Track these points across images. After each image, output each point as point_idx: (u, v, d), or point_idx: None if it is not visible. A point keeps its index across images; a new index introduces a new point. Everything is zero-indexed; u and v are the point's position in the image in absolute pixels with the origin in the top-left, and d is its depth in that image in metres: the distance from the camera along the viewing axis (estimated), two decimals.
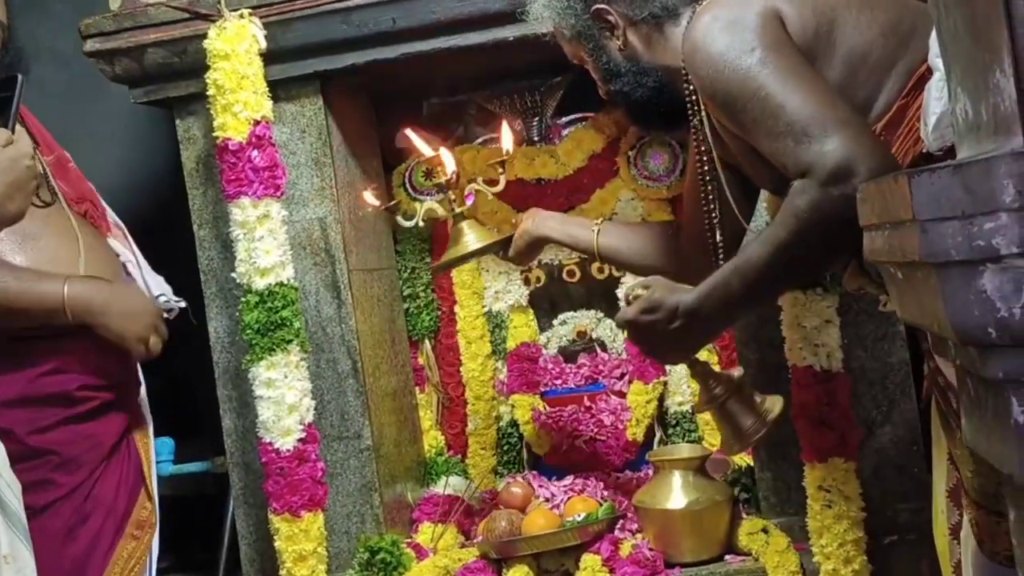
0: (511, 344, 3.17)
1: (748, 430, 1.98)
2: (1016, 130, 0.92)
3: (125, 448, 2.32)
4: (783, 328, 2.46)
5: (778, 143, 1.67)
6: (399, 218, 2.80)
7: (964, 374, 1.10)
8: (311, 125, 2.76)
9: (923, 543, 2.32)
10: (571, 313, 3.21)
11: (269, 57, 2.62)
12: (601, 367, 3.11)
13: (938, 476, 1.97)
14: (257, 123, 2.56)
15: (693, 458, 2.63)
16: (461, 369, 3.19)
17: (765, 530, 2.54)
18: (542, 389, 3.13)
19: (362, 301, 2.83)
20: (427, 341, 3.20)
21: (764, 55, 1.70)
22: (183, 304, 2.61)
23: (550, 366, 3.14)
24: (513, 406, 3.13)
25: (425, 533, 2.82)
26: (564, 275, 3.18)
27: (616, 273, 3.13)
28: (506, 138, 2.57)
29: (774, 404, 1.99)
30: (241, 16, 2.59)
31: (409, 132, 2.62)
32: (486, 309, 3.20)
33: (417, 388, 3.16)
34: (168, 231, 2.82)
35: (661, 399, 3.07)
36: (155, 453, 2.89)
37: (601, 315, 3.20)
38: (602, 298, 3.20)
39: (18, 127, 1.86)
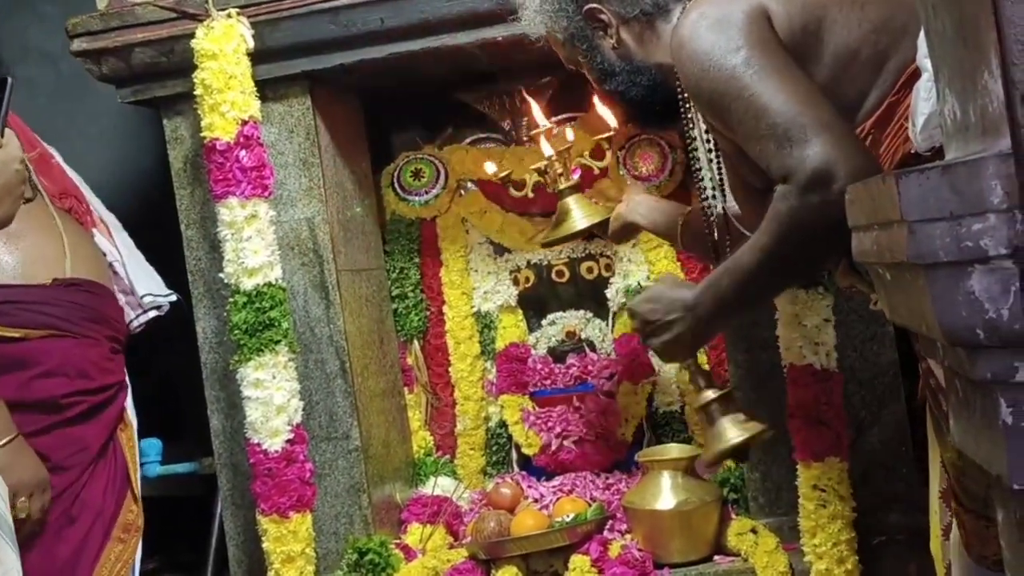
0: (500, 344, 3.16)
1: (717, 439, 1.99)
2: (1004, 131, 0.92)
3: (112, 451, 2.32)
4: (780, 327, 2.46)
5: (761, 145, 1.67)
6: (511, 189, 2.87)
7: (952, 375, 1.09)
8: (299, 125, 2.76)
9: (912, 544, 2.32)
10: (560, 313, 3.21)
11: (257, 57, 2.62)
12: (590, 367, 3.11)
13: (933, 477, 1.97)
14: (245, 123, 2.55)
15: (682, 458, 2.63)
16: (450, 369, 3.18)
17: (754, 530, 2.54)
18: (531, 389, 3.12)
19: (350, 301, 2.82)
20: (416, 341, 3.19)
21: (749, 54, 1.69)
22: (173, 298, 2.61)
23: (539, 366, 3.14)
24: (502, 406, 3.13)
25: (414, 534, 2.82)
26: (553, 276, 3.18)
27: (605, 274, 3.13)
28: (609, 115, 2.56)
29: (754, 426, 2.00)
30: (229, 16, 2.58)
31: (529, 98, 2.60)
32: (475, 309, 3.19)
33: (406, 388, 3.16)
34: (156, 231, 2.81)
35: (650, 399, 3.07)
36: (143, 454, 2.89)
37: (590, 316, 3.19)
38: (591, 299, 3.19)
39: (8, 131, 1.85)
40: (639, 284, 3.05)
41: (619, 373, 3.07)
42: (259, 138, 2.58)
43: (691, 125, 2.05)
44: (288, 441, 2.54)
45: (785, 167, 1.62)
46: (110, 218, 2.58)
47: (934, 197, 0.95)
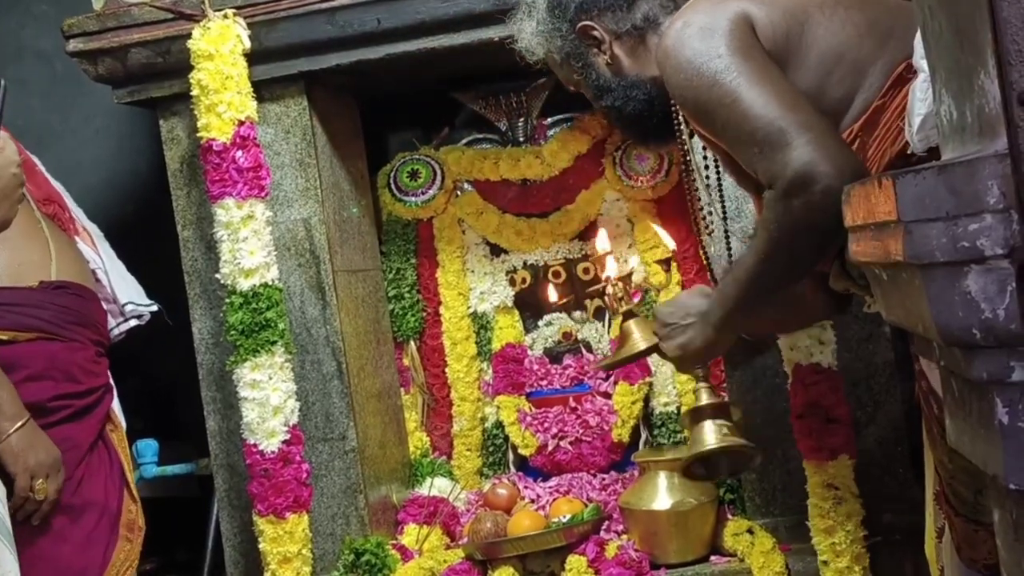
0: (496, 345, 3.16)
1: (701, 444, 2.00)
2: (1000, 132, 0.92)
3: (104, 447, 2.31)
4: None
5: (746, 151, 1.68)
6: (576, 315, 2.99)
7: (948, 375, 1.10)
8: (296, 125, 2.76)
9: (908, 544, 2.32)
10: (556, 314, 3.21)
11: (253, 57, 2.61)
12: (586, 368, 3.11)
13: (928, 479, 1.97)
14: (241, 123, 2.55)
15: (678, 459, 2.62)
16: (446, 370, 3.18)
17: (750, 531, 2.54)
18: (527, 390, 3.12)
19: (347, 302, 2.82)
20: (412, 342, 3.19)
21: (731, 61, 1.69)
22: (154, 308, 2.60)
23: (535, 367, 3.14)
24: (498, 407, 3.13)
25: (410, 535, 2.82)
26: (550, 276, 3.18)
27: (601, 275, 3.12)
28: (666, 237, 2.56)
29: (736, 440, 2.00)
30: (225, 16, 2.58)
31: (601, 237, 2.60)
32: (471, 310, 3.19)
33: (402, 389, 3.16)
34: (152, 232, 2.81)
35: (647, 400, 3.07)
36: (140, 455, 2.89)
37: (586, 316, 3.19)
38: (587, 299, 3.19)
39: (4, 135, 1.85)
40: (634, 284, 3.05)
41: (616, 374, 3.07)
42: (255, 139, 2.57)
43: (687, 137, 2.05)
44: (284, 442, 2.54)
45: (769, 172, 1.63)
46: (92, 227, 2.57)
47: (930, 197, 0.95)
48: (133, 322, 2.56)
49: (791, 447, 2.47)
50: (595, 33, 2.02)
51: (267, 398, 2.53)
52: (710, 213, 2.29)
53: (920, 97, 1.45)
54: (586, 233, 3.16)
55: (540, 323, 3.23)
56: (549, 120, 3.19)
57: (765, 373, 2.55)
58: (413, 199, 3.13)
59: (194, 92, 2.56)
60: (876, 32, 1.74)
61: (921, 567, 2.11)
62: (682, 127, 2.03)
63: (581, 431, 3.02)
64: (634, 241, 3.08)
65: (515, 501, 2.87)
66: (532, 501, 2.88)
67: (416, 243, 3.20)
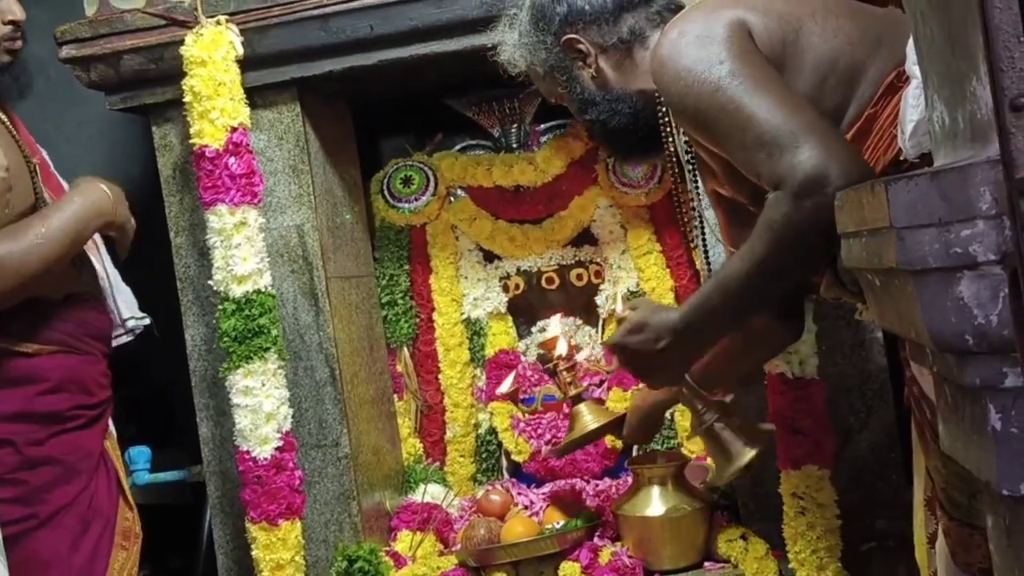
0: (490, 351, 3.16)
1: (729, 460, 1.98)
2: (992, 138, 0.92)
3: (104, 458, 2.31)
4: None
5: (750, 155, 1.66)
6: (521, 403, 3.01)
7: (941, 381, 1.10)
8: (288, 132, 2.75)
9: (901, 550, 2.32)
10: (547, 320, 3.20)
11: (246, 64, 2.61)
12: (580, 374, 3.10)
13: (917, 485, 1.97)
14: (234, 130, 2.55)
15: (672, 465, 2.63)
16: (439, 376, 3.18)
17: (744, 537, 2.54)
18: (521, 396, 3.12)
19: (340, 308, 2.82)
20: (405, 348, 3.19)
21: (732, 67, 1.69)
22: (147, 321, 2.60)
23: (529, 373, 3.14)
24: (492, 413, 3.13)
25: (404, 541, 2.81)
26: (543, 282, 3.17)
27: (595, 281, 3.13)
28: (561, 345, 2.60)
29: (762, 437, 1.99)
30: (218, 23, 2.58)
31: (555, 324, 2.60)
32: (464, 316, 3.19)
33: (395, 396, 3.16)
34: (144, 238, 2.80)
35: None
36: (132, 462, 2.88)
37: (580, 323, 3.19)
38: (581, 306, 3.19)
39: None
40: (628, 291, 3.05)
41: (609, 380, 3.07)
42: (248, 145, 2.57)
43: (674, 148, 2.04)
44: (277, 448, 2.54)
45: (776, 174, 1.62)
46: (96, 235, 2.58)
47: (923, 203, 0.95)
48: (124, 338, 2.56)
49: None
50: (580, 46, 2.02)
51: (260, 405, 2.52)
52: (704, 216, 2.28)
53: (912, 103, 1.45)
54: (580, 239, 3.17)
55: (534, 329, 3.22)
56: (542, 126, 3.19)
57: (761, 375, 2.54)
58: (406, 205, 3.13)
59: (187, 98, 2.55)
60: (867, 40, 1.74)
61: (914, 573, 2.10)
62: (671, 140, 2.02)
63: None
64: (627, 247, 3.08)
65: (508, 507, 2.86)
66: (525, 507, 2.88)
67: (409, 249, 3.20)
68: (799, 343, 2.41)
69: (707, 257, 2.31)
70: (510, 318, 3.22)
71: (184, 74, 2.55)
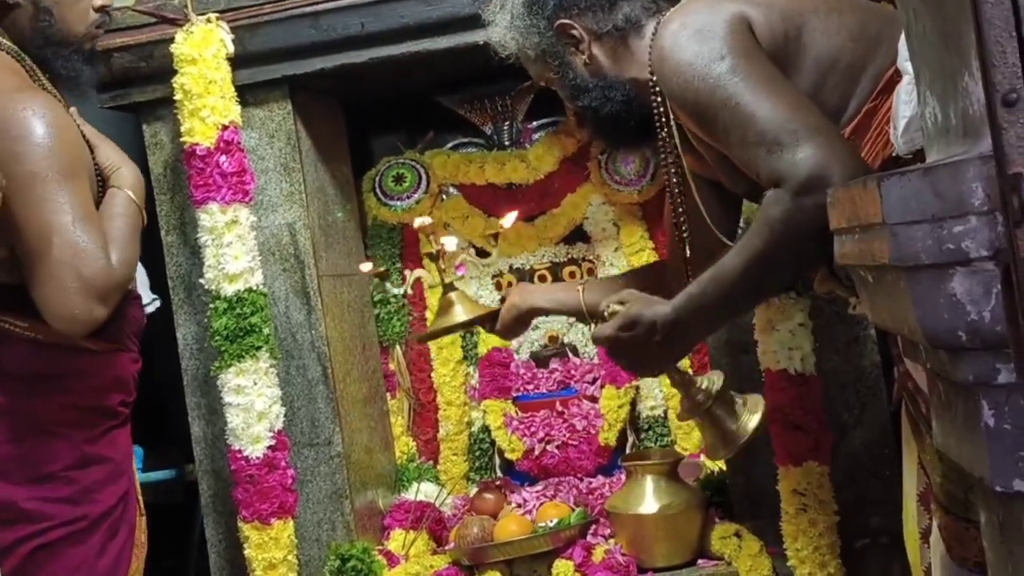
0: (482, 349, 3.16)
1: (734, 433, 1.97)
2: (985, 133, 0.92)
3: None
4: (756, 332, 2.46)
5: (750, 152, 1.66)
6: (388, 285, 2.92)
7: (934, 377, 1.09)
8: (280, 130, 2.75)
9: (895, 547, 2.32)
10: (543, 318, 3.20)
11: (237, 61, 2.60)
12: (573, 372, 3.11)
13: (908, 481, 1.97)
14: (225, 128, 2.53)
15: (665, 462, 2.63)
16: (432, 375, 3.18)
17: (738, 534, 2.53)
18: (514, 394, 3.12)
19: (332, 307, 2.81)
20: (398, 347, 3.18)
21: (734, 63, 1.68)
22: (158, 303, 2.59)
23: (522, 371, 3.13)
24: (485, 412, 3.12)
25: (396, 540, 2.81)
26: (535, 280, 3.17)
27: (587, 278, 3.12)
28: (508, 218, 2.55)
29: (756, 404, 1.99)
30: (208, 20, 2.57)
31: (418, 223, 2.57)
32: None
33: (388, 394, 3.15)
34: None
35: (633, 404, 3.07)
36: None
37: (572, 320, 3.19)
38: None
39: None
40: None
41: (602, 377, 3.07)
42: (239, 143, 2.56)
43: (667, 140, 2.03)
44: (269, 447, 2.53)
45: (776, 172, 1.61)
46: None
47: (916, 200, 0.95)
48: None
49: None
50: (574, 32, 2.01)
51: (252, 403, 2.52)
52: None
53: (905, 100, 1.45)
54: (572, 237, 3.16)
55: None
56: (534, 124, 3.19)
57: (751, 376, 2.54)
58: (398, 203, 3.13)
59: (177, 97, 2.54)
60: (868, 37, 1.74)
61: (908, 569, 2.11)
62: (663, 131, 2.01)
63: (568, 435, 3.02)
64: (620, 245, 3.08)
65: (501, 506, 2.86)
66: (519, 506, 2.87)
67: (401, 247, 3.19)
68: (800, 339, 2.41)
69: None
70: None
71: (174, 72, 2.54)
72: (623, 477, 2.82)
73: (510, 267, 3.19)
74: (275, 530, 2.53)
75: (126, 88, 2.74)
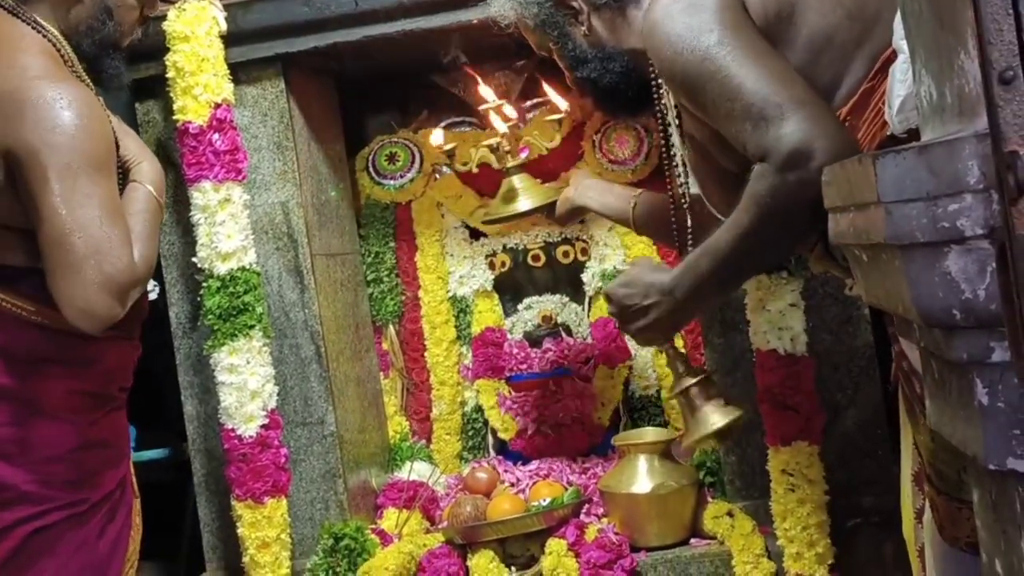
0: (476, 329, 3.16)
1: (699, 424, 2.01)
2: (980, 112, 0.92)
3: None
4: (748, 312, 2.47)
5: (737, 126, 1.66)
6: (456, 165, 2.94)
7: (928, 356, 1.09)
8: (273, 108, 2.74)
9: (887, 526, 2.33)
10: (536, 298, 3.20)
11: (230, 39, 2.60)
12: (566, 352, 3.10)
13: (904, 460, 1.97)
14: (218, 106, 2.53)
15: (658, 442, 2.63)
16: (426, 354, 3.18)
17: (730, 514, 2.54)
18: (507, 374, 3.12)
19: (325, 286, 2.81)
20: (391, 326, 3.18)
21: (723, 36, 1.68)
22: (157, 289, 2.59)
23: (515, 351, 3.13)
24: (478, 391, 3.12)
25: (390, 519, 2.81)
26: (529, 260, 3.17)
27: (581, 258, 3.12)
28: (558, 99, 2.56)
29: (731, 411, 2.02)
30: None
31: (474, 75, 2.58)
32: (451, 294, 3.18)
33: (381, 373, 3.15)
34: None
35: (627, 383, 3.07)
36: None
37: (566, 300, 3.19)
38: (567, 283, 3.19)
39: None
40: (615, 268, 3.05)
41: (595, 357, 3.07)
42: (232, 121, 2.56)
43: (665, 111, 2.04)
44: (263, 426, 2.53)
45: (762, 147, 1.62)
46: None
47: (911, 178, 0.95)
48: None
49: None
50: (573, 3, 2.02)
51: (245, 383, 2.52)
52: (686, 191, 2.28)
53: (900, 78, 1.44)
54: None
55: (520, 307, 3.22)
56: (528, 103, 3.18)
57: (744, 355, 2.55)
58: (391, 182, 3.12)
59: (170, 74, 2.54)
60: (866, 15, 1.73)
61: (901, 549, 2.11)
62: (662, 102, 2.02)
63: (561, 415, 3.02)
64: (614, 224, 3.07)
65: (495, 485, 2.86)
66: (512, 485, 2.88)
67: (395, 227, 3.18)
68: (790, 319, 2.41)
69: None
70: (496, 296, 3.21)
71: (167, 50, 2.54)
72: (616, 457, 2.83)
73: (504, 247, 3.18)
74: (268, 509, 2.54)
75: None
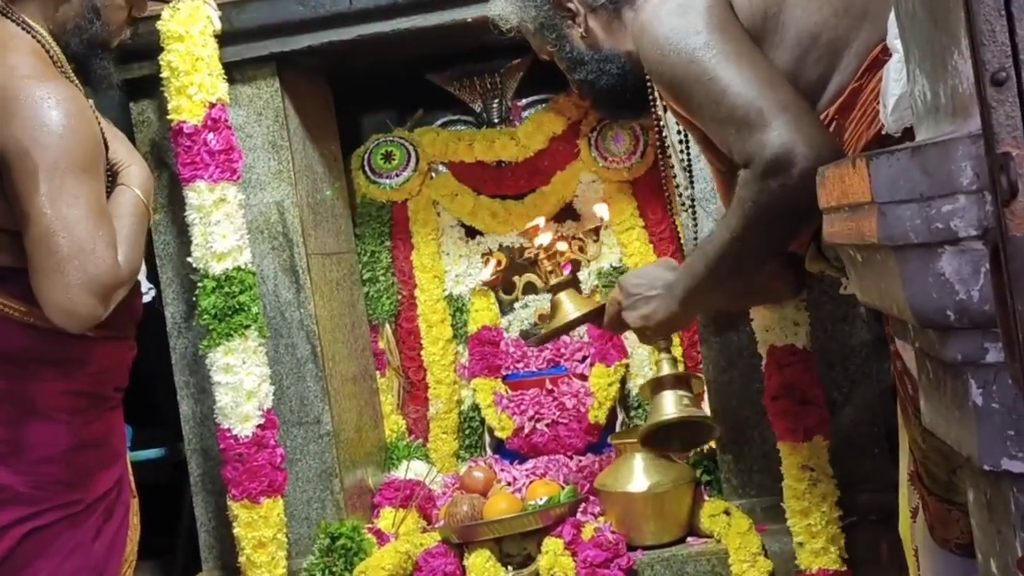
0: (472, 328, 3.16)
1: (656, 413, 2.04)
2: (974, 112, 0.91)
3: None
4: (755, 310, 2.45)
5: (722, 129, 1.68)
6: (501, 293, 3.02)
7: (923, 357, 1.09)
8: (267, 107, 2.73)
9: (883, 524, 2.33)
10: (532, 296, 3.20)
11: (224, 39, 2.59)
12: (563, 350, 3.11)
13: (902, 459, 1.98)
14: (212, 106, 2.53)
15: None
16: (422, 353, 3.17)
17: (727, 512, 2.54)
18: (504, 372, 3.12)
19: (321, 285, 2.81)
20: (387, 325, 3.18)
21: (709, 38, 1.69)
22: (153, 292, 2.58)
23: (511, 349, 3.13)
24: (475, 390, 3.12)
25: (386, 518, 2.81)
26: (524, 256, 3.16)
27: (577, 258, 3.12)
28: (601, 209, 2.57)
29: (696, 411, 2.05)
30: None
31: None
32: (447, 292, 3.18)
33: (378, 372, 3.15)
34: None
35: (623, 382, 3.07)
36: None
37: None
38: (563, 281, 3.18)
39: None
40: (612, 267, 3.05)
41: (592, 355, 3.07)
42: (227, 121, 2.55)
43: (662, 112, 2.05)
44: (259, 426, 2.53)
45: (746, 152, 1.63)
46: None
47: (904, 179, 0.95)
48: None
49: (767, 428, 2.47)
50: (570, 5, 2.02)
51: (241, 382, 2.52)
52: (687, 193, 2.29)
53: (894, 78, 1.44)
54: (562, 215, 3.16)
55: (516, 305, 3.22)
56: (524, 101, 3.18)
57: (741, 354, 2.55)
58: (387, 181, 3.12)
59: (164, 74, 2.53)
60: (852, 13, 1.73)
61: (897, 547, 2.11)
62: (657, 103, 2.03)
63: (558, 413, 3.02)
64: (610, 222, 3.07)
65: (491, 484, 2.86)
66: (508, 484, 2.88)
67: (391, 225, 3.18)
68: (801, 315, 2.41)
69: (695, 225, 2.31)
70: (492, 294, 3.21)
71: (161, 49, 2.53)
72: (613, 455, 2.83)
73: (500, 245, 3.18)
74: (264, 509, 2.53)
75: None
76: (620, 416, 3.08)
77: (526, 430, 3.03)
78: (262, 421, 2.54)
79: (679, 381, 2.05)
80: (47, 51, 2.02)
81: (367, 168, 3.13)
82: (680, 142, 2.33)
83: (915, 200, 0.94)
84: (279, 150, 2.73)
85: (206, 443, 2.77)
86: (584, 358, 3.09)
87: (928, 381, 1.09)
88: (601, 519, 2.62)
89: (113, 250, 1.90)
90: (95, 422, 2.10)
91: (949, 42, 0.96)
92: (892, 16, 1.39)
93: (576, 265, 3.13)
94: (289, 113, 2.76)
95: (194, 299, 2.58)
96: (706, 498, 2.63)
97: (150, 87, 2.69)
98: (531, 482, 2.84)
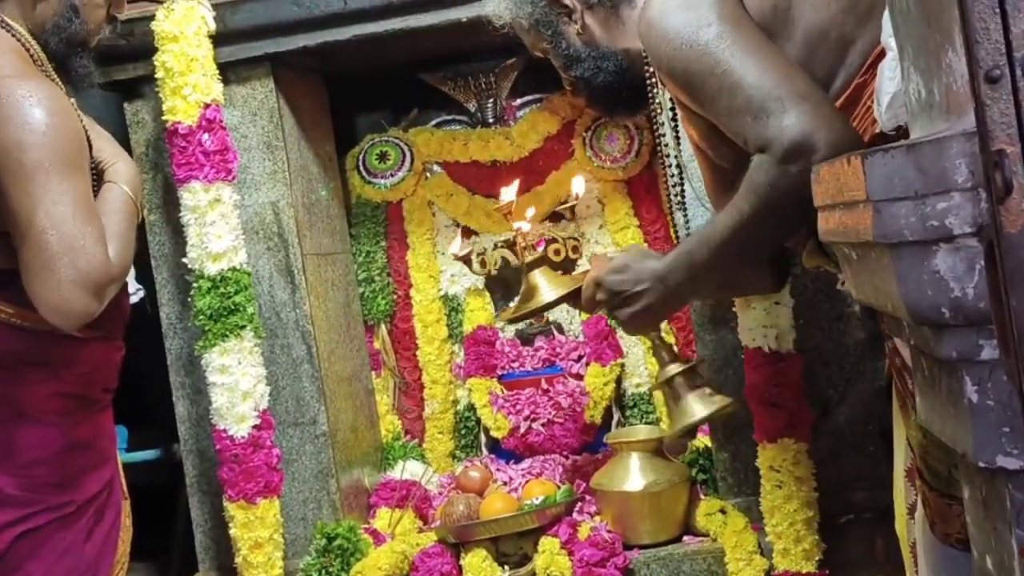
0: (468, 327, 3.15)
1: (682, 414, 2.00)
2: (968, 110, 0.92)
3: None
4: (736, 308, 2.47)
5: (737, 119, 1.66)
6: (476, 265, 2.94)
7: (918, 354, 1.09)
8: (262, 108, 2.73)
9: (878, 522, 2.33)
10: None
11: (219, 39, 2.59)
12: (558, 350, 3.11)
13: (897, 456, 1.98)
14: (207, 106, 2.52)
15: (651, 440, 2.63)
16: (417, 353, 3.17)
17: (723, 511, 2.54)
18: (499, 372, 3.12)
19: (316, 286, 2.81)
20: (383, 325, 3.18)
21: (721, 30, 1.68)
22: (143, 293, 2.58)
23: (507, 349, 3.13)
24: (470, 390, 3.12)
25: (382, 518, 2.81)
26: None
27: (572, 256, 3.12)
28: (577, 183, 2.52)
29: (716, 401, 2.01)
30: None
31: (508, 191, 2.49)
32: (442, 292, 3.18)
33: (373, 373, 3.15)
34: None
35: (619, 381, 3.07)
36: None
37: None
38: None
39: None
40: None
41: (587, 355, 3.07)
42: (222, 121, 2.55)
43: (659, 110, 2.04)
44: (254, 427, 2.53)
45: (763, 138, 1.61)
46: None
47: (899, 176, 0.95)
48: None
49: None
50: (566, 2, 2.01)
51: (236, 383, 2.51)
52: (678, 189, 2.28)
53: (888, 75, 1.44)
54: (557, 214, 3.16)
55: (511, 305, 3.21)
56: (518, 101, 3.18)
57: (736, 352, 2.55)
58: (382, 181, 3.12)
59: (159, 75, 2.53)
60: (858, 10, 1.73)
61: (892, 544, 2.12)
62: (654, 101, 2.02)
63: (553, 413, 3.02)
64: (605, 222, 3.07)
65: (487, 484, 2.86)
66: (504, 483, 2.88)
67: (386, 226, 3.18)
68: (776, 317, 2.41)
69: (687, 222, 2.30)
70: (487, 294, 3.21)
71: (156, 50, 2.53)
72: (609, 454, 2.83)
73: (495, 244, 3.18)
74: (260, 509, 2.53)
75: (107, 66, 2.70)
76: (616, 415, 3.08)
77: (522, 430, 3.03)
78: (258, 422, 2.54)
79: (691, 373, 2.02)
80: (27, 50, 2.02)
81: (362, 168, 3.13)
82: (676, 140, 2.33)
83: (910, 197, 0.94)
84: (274, 150, 2.73)
85: (202, 444, 2.77)
86: (580, 358, 3.09)
87: (923, 378, 1.09)
88: (597, 518, 2.62)
89: (103, 246, 1.89)
90: (84, 424, 2.10)
91: (943, 40, 0.96)
92: (886, 14, 1.39)
93: (572, 264, 3.13)
94: (284, 113, 2.76)
95: (189, 300, 2.58)
96: (702, 497, 2.63)
97: (145, 88, 2.70)
98: (527, 482, 2.84)
